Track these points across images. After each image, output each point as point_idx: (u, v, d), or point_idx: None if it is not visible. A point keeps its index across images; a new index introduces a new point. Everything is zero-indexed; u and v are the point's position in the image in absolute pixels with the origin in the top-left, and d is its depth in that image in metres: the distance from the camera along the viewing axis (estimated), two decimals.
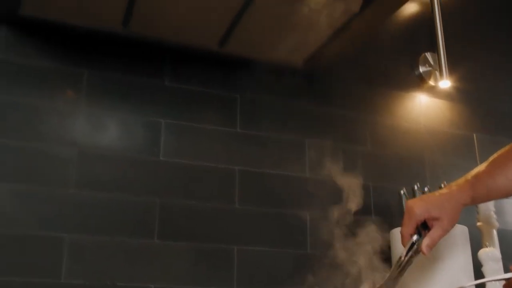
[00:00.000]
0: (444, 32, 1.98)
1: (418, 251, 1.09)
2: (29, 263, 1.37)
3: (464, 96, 2.04)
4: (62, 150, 1.46)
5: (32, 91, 1.48)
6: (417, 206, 1.07)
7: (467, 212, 1.79)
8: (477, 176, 1.11)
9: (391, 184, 1.79)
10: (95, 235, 1.44)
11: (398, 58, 1.99)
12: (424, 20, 2.06)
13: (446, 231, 1.07)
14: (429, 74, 2.00)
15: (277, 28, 1.57)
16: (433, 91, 2.01)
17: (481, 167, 1.13)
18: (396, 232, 1.68)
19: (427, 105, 1.98)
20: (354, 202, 1.73)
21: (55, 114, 1.49)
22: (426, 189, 1.68)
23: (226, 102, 1.69)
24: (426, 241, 1.06)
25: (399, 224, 1.70)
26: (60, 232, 1.41)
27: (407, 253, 1.10)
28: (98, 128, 1.52)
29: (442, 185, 1.72)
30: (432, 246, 1.07)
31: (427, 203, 1.07)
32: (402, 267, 1.13)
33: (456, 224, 1.63)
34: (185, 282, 1.50)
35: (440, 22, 2.00)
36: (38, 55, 1.51)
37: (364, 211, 1.73)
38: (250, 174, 1.65)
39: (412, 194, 1.67)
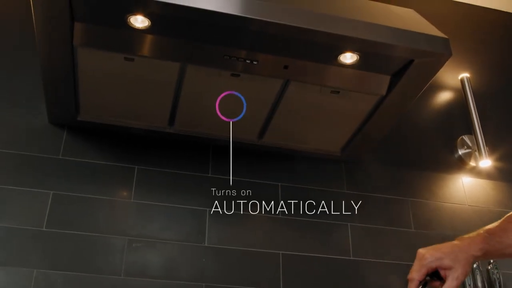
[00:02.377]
0: (478, 113, 2.04)
1: None
2: None
3: (506, 174, 2.03)
4: (114, 240, 1.56)
5: (88, 186, 1.61)
6: (430, 254, 1.07)
7: None
8: (490, 231, 1.12)
9: None
10: None
11: (436, 142, 2.04)
12: (458, 104, 2.13)
13: (460, 281, 1.05)
14: (469, 156, 2.02)
15: (309, 120, 1.67)
16: (475, 172, 2.01)
17: (496, 222, 1.14)
18: None
19: (470, 185, 1.98)
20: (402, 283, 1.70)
21: (108, 207, 1.60)
22: (474, 265, 1.65)
23: (268, 190, 1.77)
24: None
25: None
26: None
27: None
28: (147, 218, 1.62)
29: (492, 261, 1.68)
30: None
31: (440, 252, 1.07)
32: None
33: None
34: None
35: (473, 105, 2.06)
36: (93, 153, 1.67)
37: None
38: (294, 258, 1.67)
39: None
